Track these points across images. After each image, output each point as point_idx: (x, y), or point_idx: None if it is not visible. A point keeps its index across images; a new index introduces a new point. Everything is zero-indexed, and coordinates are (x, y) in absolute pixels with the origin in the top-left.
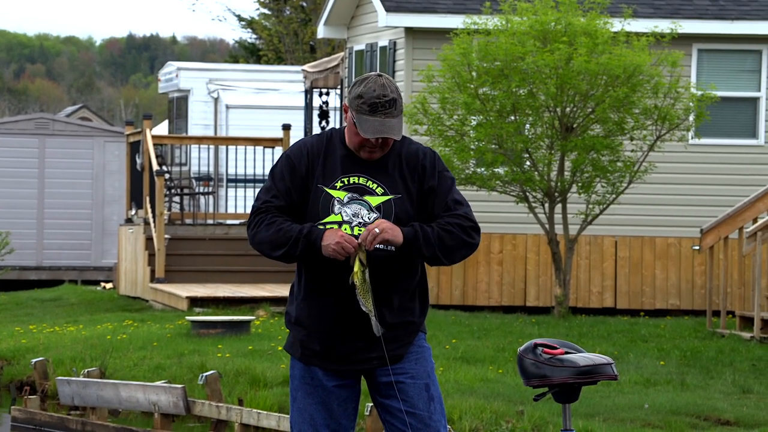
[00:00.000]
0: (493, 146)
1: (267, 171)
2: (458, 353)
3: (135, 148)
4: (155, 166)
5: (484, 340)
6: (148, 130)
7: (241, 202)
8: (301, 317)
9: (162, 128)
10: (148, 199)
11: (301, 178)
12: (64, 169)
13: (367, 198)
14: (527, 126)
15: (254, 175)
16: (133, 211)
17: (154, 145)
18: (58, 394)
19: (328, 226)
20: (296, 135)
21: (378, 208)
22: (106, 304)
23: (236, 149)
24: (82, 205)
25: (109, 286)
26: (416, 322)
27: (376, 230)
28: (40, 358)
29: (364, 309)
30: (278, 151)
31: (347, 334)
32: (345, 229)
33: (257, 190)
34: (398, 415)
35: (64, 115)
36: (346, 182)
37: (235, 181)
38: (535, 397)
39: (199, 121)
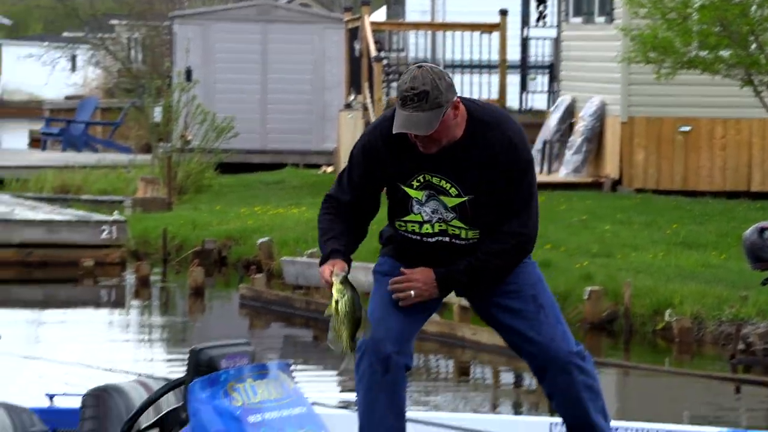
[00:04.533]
0: (717, 29)
1: (484, 57)
2: (679, 238)
3: (353, 34)
4: (373, 52)
5: (706, 225)
6: (366, 17)
7: (458, 87)
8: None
9: (380, 14)
10: (366, 84)
11: (376, 166)
12: (285, 55)
13: (442, 198)
14: (753, 7)
15: (471, 60)
16: (352, 97)
17: (372, 31)
18: (282, 274)
19: (409, 226)
20: (513, 20)
21: (453, 209)
22: (327, 187)
23: (453, 35)
24: (303, 90)
25: (329, 169)
26: None
27: (411, 293)
28: (266, 239)
29: (331, 345)
30: (495, 36)
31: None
32: (426, 229)
33: (473, 76)
34: (510, 328)
35: (285, 1)
36: (422, 180)
37: (452, 66)
38: (762, 281)
39: (416, 7)
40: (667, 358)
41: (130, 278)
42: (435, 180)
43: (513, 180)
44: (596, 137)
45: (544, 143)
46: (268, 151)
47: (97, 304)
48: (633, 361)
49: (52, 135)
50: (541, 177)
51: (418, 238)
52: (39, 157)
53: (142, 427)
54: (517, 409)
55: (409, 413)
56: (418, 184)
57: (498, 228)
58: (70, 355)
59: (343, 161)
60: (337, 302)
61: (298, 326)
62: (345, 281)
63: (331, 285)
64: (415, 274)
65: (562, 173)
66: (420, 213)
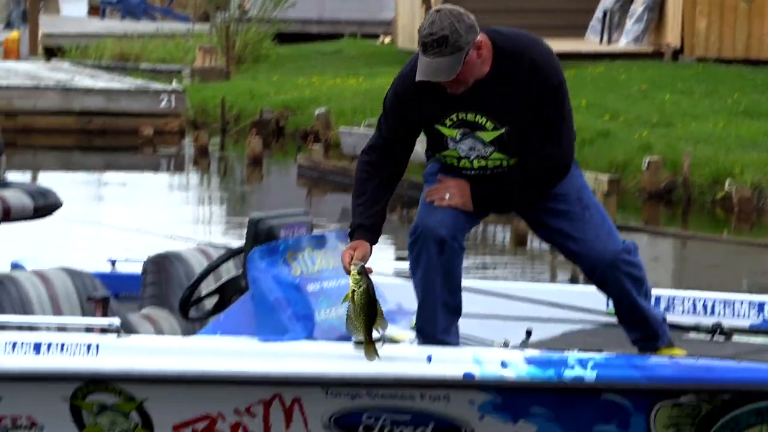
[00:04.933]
0: None
1: None
2: (740, 108)
3: None
4: None
5: None
6: None
7: None
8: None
9: None
10: None
11: (408, 112)
12: None
13: (479, 134)
14: None
15: None
16: None
17: None
18: (340, 144)
19: (447, 159)
20: None
21: (492, 143)
22: (385, 57)
23: None
24: None
25: (387, 39)
26: None
27: (446, 196)
28: (323, 109)
29: (350, 332)
30: None
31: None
32: (463, 164)
33: None
34: (557, 230)
35: None
36: (455, 119)
37: None
38: None
39: None
40: (726, 227)
41: (188, 147)
42: (469, 117)
43: (543, 103)
44: (657, 6)
45: (605, 12)
46: (326, 20)
47: (157, 171)
48: (691, 230)
49: (111, 3)
50: (601, 47)
51: (458, 171)
52: (98, 25)
53: (203, 294)
54: (574, 279)
55: (466, 282)
56: (451, 122)
57: (532, 152)
58: (131, 221)
59: (401, 32)
60: (354, 292)
61: None
62: (362, 271)
63: (349, 272)
64: (451, 181)
65: (623, 43)
66: (456, 149)
